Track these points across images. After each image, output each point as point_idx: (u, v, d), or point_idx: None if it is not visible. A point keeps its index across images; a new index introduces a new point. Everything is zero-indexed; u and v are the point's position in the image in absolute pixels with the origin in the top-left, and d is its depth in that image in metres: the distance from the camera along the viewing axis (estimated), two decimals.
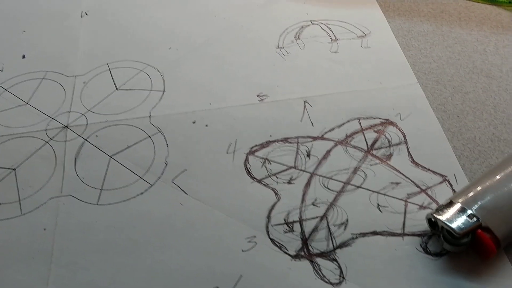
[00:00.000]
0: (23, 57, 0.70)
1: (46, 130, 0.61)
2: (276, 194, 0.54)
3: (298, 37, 0.71)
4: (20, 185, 0.56)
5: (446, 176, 0.55)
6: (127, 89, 0.65)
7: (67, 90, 0.65)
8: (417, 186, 0.54)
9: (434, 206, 0.52)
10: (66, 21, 0.75)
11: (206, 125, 0.60)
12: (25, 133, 0.61)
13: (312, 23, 0.73)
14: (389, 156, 0.57)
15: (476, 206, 0.47)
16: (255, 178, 0.56)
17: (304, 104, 0.62)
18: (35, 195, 0.55)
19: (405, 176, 0.55)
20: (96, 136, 0.60)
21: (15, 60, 0.70)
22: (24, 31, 0.73)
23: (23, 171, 0.57)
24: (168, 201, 0.54)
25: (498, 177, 0.50)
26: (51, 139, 0.60)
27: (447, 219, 0.47)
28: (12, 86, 0.66)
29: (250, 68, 0.67)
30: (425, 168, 0.56)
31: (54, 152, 0.59)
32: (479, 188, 0.49)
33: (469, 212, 0.47)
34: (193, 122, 0.61)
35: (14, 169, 0.57)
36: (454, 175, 0.55)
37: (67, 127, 0.61)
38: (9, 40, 0.72)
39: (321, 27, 0.72)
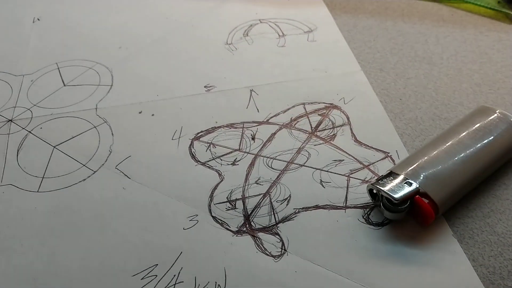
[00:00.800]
0: None
1: None
2: (220, 175, 0.54)
3: (247, 34, 0.72)
4: None
5: (388, 153, 0.55)
6: (74, 85, 0.65)
7: (14, 88, 0.65)
8: (360, 162, 0.54)
9: (374, 180, 0.52)
10: (18, 26, 0.76)
11: (152, 115, 0.61)
12: None
13: (261, 22, 0.74)
14: (333, 136, 0.57)
15: (414, 174, 0.48)
16: (199, 161, 0.55)
17: (250, 92, 0.63)
18: None
19: (348, 154, 0.55)
20: (41, 128, 0.60)
21: None
22: None
23: None
24: (110, 186, 0.53)
25: (435, 147, 0.51)
26: None
27: (387, 188, 0.48)
28: None
29: (199, 63, 0.68)
30: (368, 146, 0.56)
31: None
32: (417, 158, 0.50)
33: (407, 180, 0.48)
34: (140, 112, 0.61)
35: None
36: (396, 151, 0.55)
37: (11, 120, 0.61)
38: None
39: (269, 25, 0.74)
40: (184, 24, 0.75)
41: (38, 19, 0.77)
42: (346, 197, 0.51)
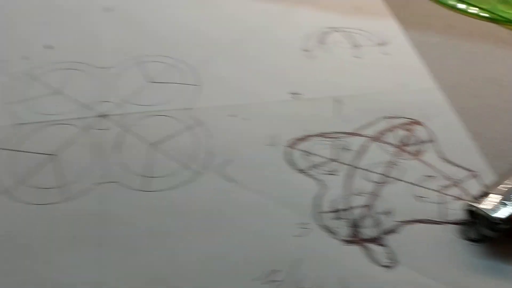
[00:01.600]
0: (48, 47, 0.69)
1: (83, 118, 0.60)
2: (319, 184, 0.56)
3: (322, 42, 0.74)
4: (61, 171, 0.55)
5: (475, 171, 0.59)
6: (160, 82, 0.66)
7: (98, 81, 0.65)
8: (449, 179, 0.58)
9: (467, 197, 0.55)
10: (88, 16, 0.75)
11: (244, 119, 0.62)
12: (62, 120, 0.60)
13: (333, 30, 0.76)
14: (420, 152, 0.60)
15: (510, 194, 0.51)
16: (297, 169, 0.58)
17: (335, 103, 0.65)
18: (77, 181, 0.54)
19: (437, 170, 0.59)
20: (136, 125, 0.60)
21: (39, 50, 0.69)
22: (46, 22, 0.73)
23: (64, 158, 0.56)
24: (216, 189, 0.55)
25: None
26: (88, 127, 0.59)
27: (487, 209, 0.51)
28: (42, 75, 0.65)
29: (279, 68, 0.69)
30: (454, 163, 0.59)
31: (93, 140, 0.58)
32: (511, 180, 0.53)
33: (505, 201, 0.51)
34: (233, 116, 0.62)
35: (54, 155, 0.56)
36: (480, 170, 0.59)
37: (103, 116, 0.61)
38: (31, 30, 0.71)
39: (342, 34, 0.76)
40: (257, 27, 0.76)
41: (108, 10, 0.76)
42: (442, 213, 0.54)
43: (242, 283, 0.47)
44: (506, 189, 0.53)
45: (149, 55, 0.69)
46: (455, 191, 0.57)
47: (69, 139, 0.58)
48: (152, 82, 0.65)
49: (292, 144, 0.60)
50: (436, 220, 0.54)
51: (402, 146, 0.61)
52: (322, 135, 0.61)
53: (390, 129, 0.62)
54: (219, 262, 0.49)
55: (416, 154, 0.60)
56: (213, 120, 0.61)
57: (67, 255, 0.48)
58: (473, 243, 0.52)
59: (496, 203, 0.51)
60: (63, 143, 0.57)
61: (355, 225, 0.53)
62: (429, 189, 0.57)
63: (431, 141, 0.62)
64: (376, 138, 0.61)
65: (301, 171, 0.57)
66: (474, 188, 0.55)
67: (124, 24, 0.73)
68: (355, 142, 0.61)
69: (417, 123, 0.64)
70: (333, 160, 0.58)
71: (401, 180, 0.57)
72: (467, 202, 0.53)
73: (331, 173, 0.57)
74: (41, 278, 0.47)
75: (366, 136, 0.61)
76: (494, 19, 0.80)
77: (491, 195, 0.52)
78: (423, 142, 0.61)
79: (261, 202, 0.54)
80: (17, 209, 0.51)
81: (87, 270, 0.47)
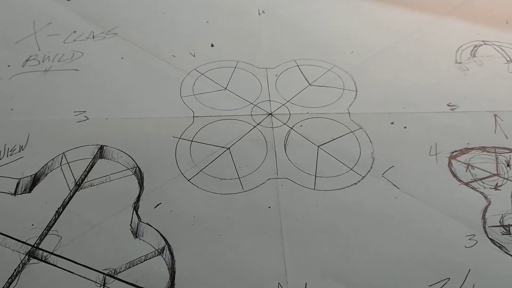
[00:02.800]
0: (212, 45, 0.74)
1: (252, 115, 0.64)
2: (485, 198, 0.57)
3: (474, 54, 0.74)
4: (236, 164, 0.59)
5: None
6: (319, 86, 0.68)
7: (261, 81, 0.69)
8: None
9: None
10: (245, 17, 0.79)
11: (405, 127, 0.63)
12: (232, 116, 0.64)
13: (485, 43, 0.76)
14: None
15: None
16: (461, 181, 0.58)
17: (495, 117, 0.65)
18: (252, 174, 0.58)
19: None
20: (301, 126, 0.63)
21: (205, 48, 0.73)
22: (207, 22, 0.77)
23: (237, 151, 0.60)
24: (381, 193, 0.57)
25: None
26: (258, 123, 0.63)
27: None
28: (207, 72, 0.70)
29: (434, 78, 0.70)
30: None
31: (264, 137, 0.62)
32: None
33: None
34: (391, 123, 0.64)
35: (229, 148, 0.60)
36: None
37: (271, 114, 0.64)
38: (196, 29, 0.76)
39: (494, 48, 0.75)
40: (408, 36, 0.77)
41: (263, 12, 0.80)
42: None
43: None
44: None
45: (305, 58, 0.72)
46: None
47: (241, 134, 0.61)
48: (311, 85, 0.68)
49: (453, 156, 0.60)
50: None
51: None
52: (483, 149, 0.61)
53: None
54: (392, 263, 0.51)
55: None
56: (373, 126, 0.63)
57: (251, 243, 0.52)
58: None
59: None
60: (235, 137, 0.61)
61: None
62: None
63: None
64: None
65: (466, 183, 0.58)
66: None
67: (279, 27, 0.76)
68: None
69: None
70: (495, 175, 0.59)
71: None
72: None
73: (495, 188, 0.57)
74: (229, 263, 0.50)
75: None
76: None
77: None
78: None
79: (427, 210, 0.55)
80: (200, 195, 0.55)
81: (270, 260, 0.51)
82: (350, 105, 0.66)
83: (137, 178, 0.57)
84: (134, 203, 0.54)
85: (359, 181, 0.58)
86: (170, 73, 0.69)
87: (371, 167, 0.59)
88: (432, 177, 0.58)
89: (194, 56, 0.72)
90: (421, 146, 0.61)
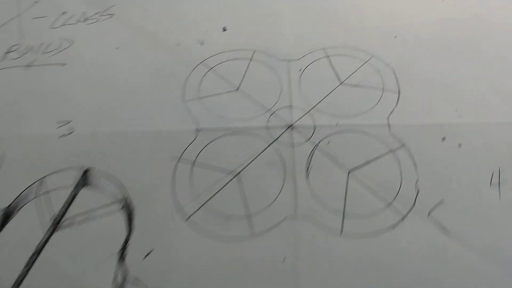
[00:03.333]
0: (224, 29, 0.60)
1: (268, 128, 0.52)
2: None
3: None
4: (246, 196, 0.48)
5: None
6: (353, 85, 0.55)
7: (282, 78, 0.56)
8: None
9: None
10: None
11: (460, 145, 0.50)
12: (243, 129, 0.52)
13: None
14: None
15: None
16: None
17: None
18: (266, 211, 0.47)
19: None
20: (328, 142, 0.51)
21: (215, 33, 0.60)
22: (220, 5, 0.63)
23: (248, 178, 0.49)
24: (426, 241, 0.45)
25: None
26: (275, 139, 0.51)
27: None
28: (217, 65, 0.57)
29: (502, 74, 0.55)
30: None
31: (282, 158, 0.50)
32: None
33: None
34: (443, 139, 0.50)
35: (237, 174, 0.49)
36: None
37: (292, 126, 0.52)
38: (206, 10, 0.62)
39: None
40: (467, 12, 0.60)
41: None
42: None
43: None
44: None
45: (337, 46, 0.58)
46: None
47: (254, 154, 0.50)
48: (343, 84, 0.54)
49: None
50: None
51: None
52: None
53: None
54: None
55: None
56: (419, 142, 0.50)
57: None
58: None
59: None
60: (247, 158, 0.50)
61: None
62: None
63: None
64: None
65: None
66: None
67: (305, 6, 0.62)
68: None
69: None
70: None
71: None
72: None
73: None
74: None
75: None
76: None
77: None
78: None
79: (486, 266, 0.43)
80: (201, 242, 0.45)
81: None
82: (391, 113, 0.52)
83: (126, 215, 0.47)
84: (121, 250, 0.45)
85: (398, 222, 0.46)
86: (173, 68, 0.57)
87: (415, 203, 0.47)
88: (495, 217, 0.46)
89: (202, 44, 0.59)
90: (481, 172, 0.49)
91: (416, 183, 0.48)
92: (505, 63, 0.55)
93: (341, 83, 0.55)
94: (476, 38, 0.58)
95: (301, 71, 0.56)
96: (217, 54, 0.58)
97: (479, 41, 0.57)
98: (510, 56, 0.56)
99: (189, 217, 0.47)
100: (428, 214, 0.46)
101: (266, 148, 0.51)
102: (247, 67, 0.57)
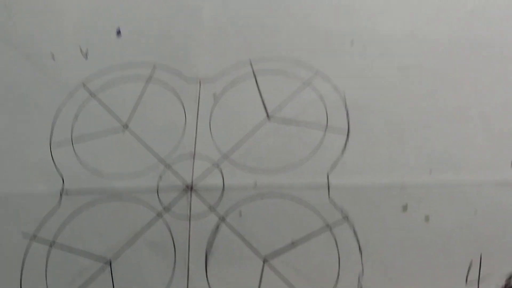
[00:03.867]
0: (118, 33, 0.44)
1: (158, 190, 0.37)
2: None
3: None
4: None
5: None
6: (284, 122, 0.39)
7: (187, 108, 0.40)
8: None
9: None
10: None
11: (427, 218, 0.34)
12: (124, 191, 0.37)
13: None
14: None
15: None
16: None
17: None
18: None
19: None
20: (240, 215, 0.36)
21: (106, 38, 0.43)
22: None
23: (123, 270, 0.34)
24: None
25: None
26: (165, 209, 0.36)
27: None
28: (103, 90, 0.41)
29: (500, 114, 0.38)
30: None
31: (172, 238, 0.35)
32: None
33: None
34: (404, 210, 0.35)
35: (109, 262, 0.35)
36: None
37: (191, 188, 0.37)
38: (95, 4, 0.45)
39: None
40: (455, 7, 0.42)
41: None
42: None
43: None
44: None
45: (269, 58, 0.42)
46: None
47: (133, 230, 0.35)
48: (270, 120, 0.39)
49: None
50: None
51: None
52: None
53: None
54: None
55: None
56: (367, 214, 0.35)
57: None
58: None
59: None
60: (123, 238, 0.35)
61: None
62: None
63: None
64: None
65: None
66: None
67: (228, 8, 0.44)
68: None
69: None
70: None
71: None
72: None
73: None
74: None
75: None
76: None
77: None
78: None
79: None
80: None
81: None
82: (333, 167, 0.36)
83: None
84: None
85: None
86: (41, 94, 0.41)
87: None
88: None
89: (86, 56, 0.43)
90: (453, 263, 0.33)
91: (359, 279, 0.33)
92: (500, 99, 0.38)
93: (268, 118, 0.39)
94: (471, 63, 0.40)
95: (215, 95, 0.40)
96: (103, 70, 0.42)
97: (473, 67, 0.40)
98: (501, 87, 0.39)
99: None
100: None
101: (151, 223, 0.36)
102: (144, 92, 0.41)
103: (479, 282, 0.33)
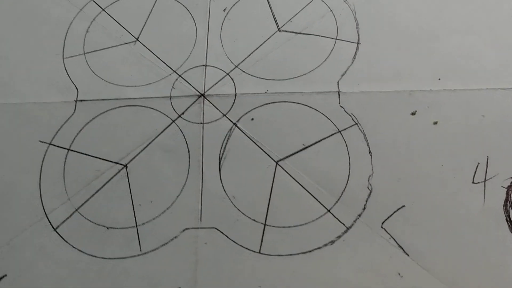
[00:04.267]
0: None
1: (171, 97, 0.37)
2: None
3: None
4: (135, 197, 0.35)
5: None
6: (295, 32, 0.39)
7: (198, 21, 0.40)
8: None
9: None
10: None
11: (435, 123, 0.35)
12: (138, 99, 0.37)
13: None
14: None
15: None
16: None
17: None
18: (159, 219, 0.34)
19: None
20: (252, 119, 0.36)
21: None
22: None
23: (139, 170, 0.36)
24: (376, 264, 0.32)
25: None
26: (179, 116, 0.37)
27: None
28: (112, 4, 0.41)
29: (507, 25, 0.38)
30: None
31: (186, 142, 0.36)
32: None
33: None
34: (413, 114, 0.36)
35: (125, 166, 0.36)
36: None
37: (203, 96, 0.37)
38: None
39: None
40: None
41: None
42: None
43: None
44: None
45: None
46: None
47: (149, 136, 0.36)
48: (281, 30, 0.39)
49: None
50: None
51: None
52: None
53: None
54: None
55: None
56: (377, 119, 0.36)
57: None
58: None
59: None
60: (138, 143, 0.36)
61: None
62: None
63: None
64: None
65: None
66: None
67: None
68: None
69: None
70: None
71: None
72: None
73: None
74: None
75: None
76: None
77: None
78: None
79: None
80: (71, 260, 0.33)
81: None
82: (343, 74, 0.37)
83: None
84: None
85: (338, 236, 0.33)
86: (50, 8, 0.41)
87: (365, 207, 0.33)
88: (471, 228, 0.33)
89: None
90: (460, 163, 0.34)
91: (369, 179, 0.34)
92: (502, 11, 0.39)
93: (279, 30, 0.39)
94: None
95: (226, 11, 0.40)
96: None
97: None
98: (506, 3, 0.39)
99: (58, 226, 0.34)
100: (382, 225, 0.33)
101: (166, 128, 0.36)
102: (153, 6, 0.41)
103: (485, 182, 0.34)
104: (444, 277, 0.32)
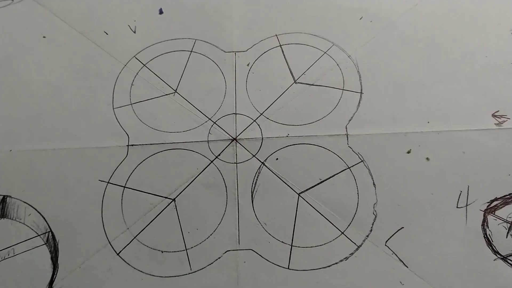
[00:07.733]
0: (160, 12, 0.51)
1: (208, 141, 0.45)
2: None
3: None
4: (183, 225, 0.42)
5: None
6: (309, 84, 0.47)
7: (226, 75, 0.48)
8: None
9: None
10: None
11: (427, 159, 0.44)
12: (181, 143, 0.45)
13: None
14: None
15: None
16: (498, 253, 0.41)
17: None
18: (205, 243, 0.42)
19: None
20: (277, 159, 0.45)
21: (150, 16, 0.51)
22: None
23: (185, 204, 0.43)
24: (382, 274, 0.40)
25: None
26: (216, 157, 0.45)
27: None
28: (152, 60, 0.49)
29: (482, 75, 0.47)
30: None
31: (223, 179, 0.44)
32: None
33: None
34: (408, 152, 0.44)
35: (174, 200, 0.43)
36: None
37: (236, 140, 0.45)
38: None
39: None
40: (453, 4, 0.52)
41: None
42: None
43: None
44: None
45: (292, 32, 0.50)
46: None
47: (192, 174, 0.44)
48: (297, 82, 0.47)
49: (492, 208, 0.42)
50: None
51: None
52: None
53: None
54: None
55: None
56: (380, 157, 0.44)
57: None
58: None
59: None
60: (184, 180, 0.44)
61: None
62: None
63: None
64: None
65: (503, 257, 0.40)
66: None
67: None
68: None
69: None
70: None
71: None
72: None
73: None
74: None
75: None
76: None
77: None
78: None
79: None
80: (133, 278, 0.41)
81: None
82: (350, 120, 0.46)
83: (50, 251, 0.42)
84: None
85: (351, 254, 0.41)
86: (100, 65, 0.49)
87: (371, 229, 0.42)
88: (458, 247, 0.41)
89: (134, 32, 0.50)
90: (448, 192, 0.43)
91: (374, 206, 0.43)
92: (483, 62, 0.48)
93: (295, 82, 0.47)
94: (460, 33, 0.49)
95: (249, 65, 0.48)
96: (151, 45, 0.50)
97: (461, 36, 0.49)
98: (490, 54, 0.48)
99: (120, 251, 0.42)
100: (385, 243, 0.41)
101: (206, 167, 0.44)
102: (187, 62, 0.49)
103: (467, 206, 0.43)
104: (436, 283, 0.40)
